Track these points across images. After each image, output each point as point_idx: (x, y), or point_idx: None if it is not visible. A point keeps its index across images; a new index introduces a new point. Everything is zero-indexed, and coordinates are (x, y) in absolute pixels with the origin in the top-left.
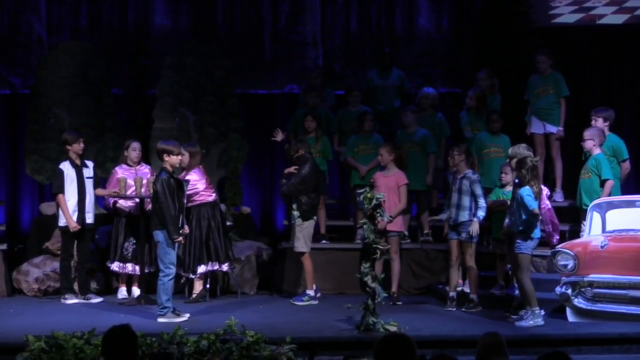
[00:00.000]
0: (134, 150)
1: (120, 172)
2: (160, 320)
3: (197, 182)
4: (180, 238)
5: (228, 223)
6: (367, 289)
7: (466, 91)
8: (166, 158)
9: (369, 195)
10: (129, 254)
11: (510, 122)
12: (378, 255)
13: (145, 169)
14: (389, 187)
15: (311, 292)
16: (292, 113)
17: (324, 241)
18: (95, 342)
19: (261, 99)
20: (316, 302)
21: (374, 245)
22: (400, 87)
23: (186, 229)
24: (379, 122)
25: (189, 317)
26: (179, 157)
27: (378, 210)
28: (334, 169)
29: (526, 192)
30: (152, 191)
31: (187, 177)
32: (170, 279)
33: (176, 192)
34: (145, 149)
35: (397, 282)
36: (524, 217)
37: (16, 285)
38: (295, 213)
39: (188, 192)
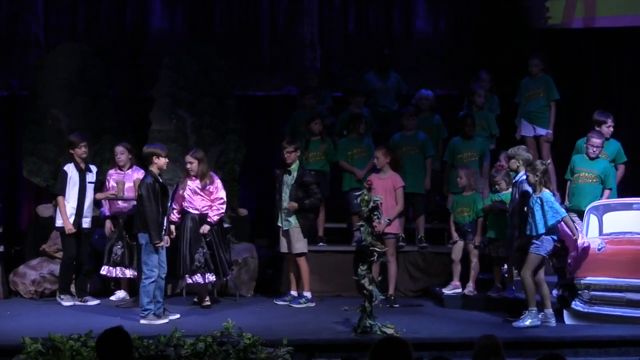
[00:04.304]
0: (116, 155)
1: (112, 175)
2: (142, 322)
3: (222, 189)
4: (162, 243)
5: (226, 225)
6: (364, 291)
7: (463, 93)
8: (155, 160)
9: (366, 197)
10: (118, 258)
11: (507, 123)
12: (375, 257)
13: (137, 173)
14: (386, 190)
15: (308, 295)
16: (290, 115)
17: (321, 244)
18: (91, 344)
19: (259, 100)
20: (313, 304)
21: (371, 248)
22: (398, 89)
23: (167, 241)
24: (378, 124)
25: (170, 320)
26: (167, 160)
27: (375, 213)
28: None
29: (550, 196)
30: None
31: (215, 182)
32: (152, 282)
33: (160, 197)
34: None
35: (394, 285)
36: (550, 222)
37: (13, 288)
38: (292, 220)
39: (216, 198)
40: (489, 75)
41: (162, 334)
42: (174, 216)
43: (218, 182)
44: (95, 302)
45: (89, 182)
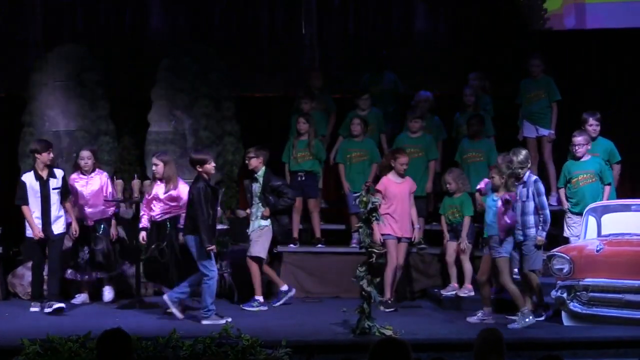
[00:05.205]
0: (82, 159)
1: (74, 179)
2: (204, 322)
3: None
4: (214, 247)
5: (224, 226)
6: (363, 292)
7: (461, 94)
8: (199, 169)
9: (364, 199)
10: (82, 262)
11: (506, 124)
12: (374, 259)
13: (100, 175)
14: (406, 194)
15: (260, 298)
16: (288, 116)
17: (319, 245)
18: (90, 345)
19: (257, 101)
20: (265, 308)
21: (369, 249)
22: (394, 90)
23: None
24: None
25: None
26: (214, 165)
27: (374, 214)
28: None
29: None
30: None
31: (179, 187)
32: (213, 280)
33: (212, 201)
34: (140, 152)
35: (395, 286)
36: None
37: (11, 289)
38: (256, 223)
39: (183, 202)
40: (478, 75)
41: (161, 335)
42: (145, 222)
43: (182, 186)
44: (59, 305)
45: (53, 189)
